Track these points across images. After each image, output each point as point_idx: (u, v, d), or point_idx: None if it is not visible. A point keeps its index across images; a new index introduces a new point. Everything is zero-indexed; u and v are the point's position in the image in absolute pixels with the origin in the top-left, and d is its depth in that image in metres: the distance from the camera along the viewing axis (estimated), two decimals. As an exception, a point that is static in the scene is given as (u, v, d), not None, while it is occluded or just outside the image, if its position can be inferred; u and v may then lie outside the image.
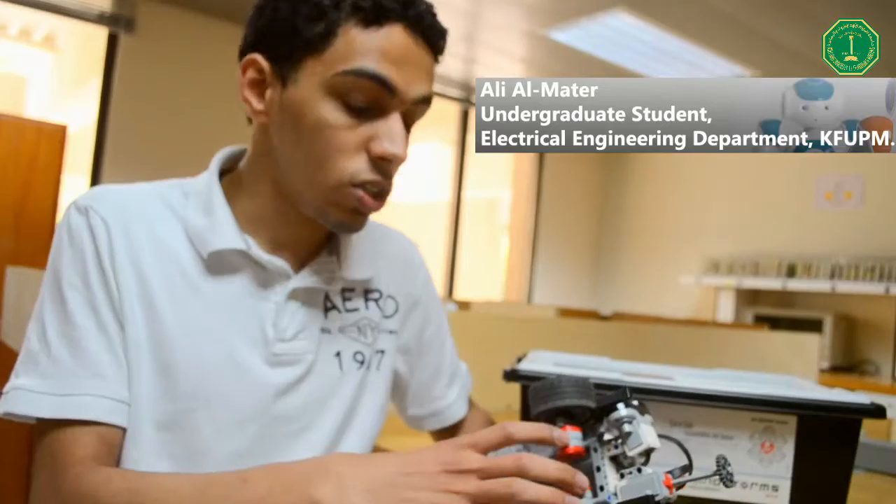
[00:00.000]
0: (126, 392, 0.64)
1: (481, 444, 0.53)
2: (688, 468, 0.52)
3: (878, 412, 0.68)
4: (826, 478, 0.71)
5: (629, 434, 0.51)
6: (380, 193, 0.67)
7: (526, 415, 0.77)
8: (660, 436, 0.52)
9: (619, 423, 0.52)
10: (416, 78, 0.65)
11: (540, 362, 0.82)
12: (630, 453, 0.51)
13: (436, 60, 0.69)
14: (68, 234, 0.66)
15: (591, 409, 0.53)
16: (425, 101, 0.68)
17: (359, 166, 0.64)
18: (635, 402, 0.53)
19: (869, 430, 1.15)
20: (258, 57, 0.67)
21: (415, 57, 0.65)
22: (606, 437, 0.52)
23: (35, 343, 0.63)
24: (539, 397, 0.54)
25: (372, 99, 0.64)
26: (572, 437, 0.52)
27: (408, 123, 0.68)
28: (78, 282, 0.64)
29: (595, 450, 0.52)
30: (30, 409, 0.61)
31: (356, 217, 0.68)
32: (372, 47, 0.63)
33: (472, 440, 0.54)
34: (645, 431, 0.51)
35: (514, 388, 0.76)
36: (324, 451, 0.72)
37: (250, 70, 0.67)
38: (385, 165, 0.65)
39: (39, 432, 0.62)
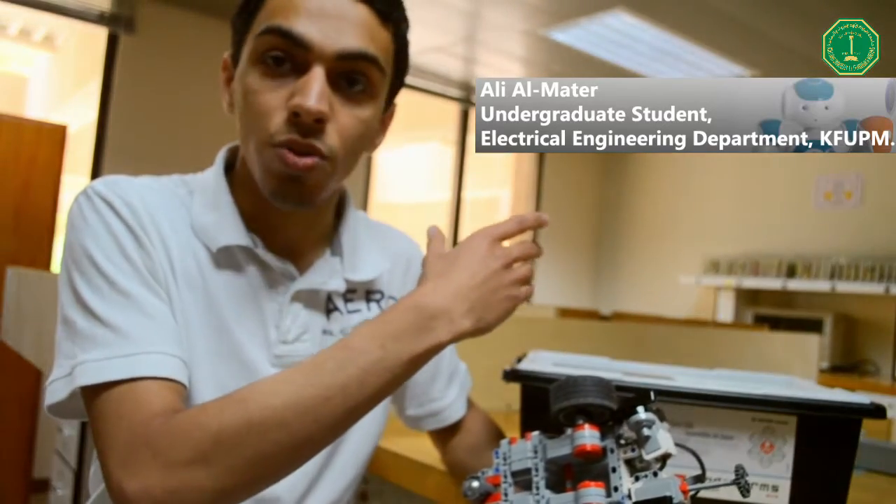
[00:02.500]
0: (185, 355, 0.61)
1: (509, 233, 0.67)
2: (701, 477, 0.52)
3: (878, 412, 0.68)
4: (826, 478, 0.70)
5: (647, 438, 0.51)
6: (306, 153, 0.63)
7: (526, 414, 0.77)
8: (675, 444, 0.52)
9: (638, 426, 0.52)
10: (338, 30, 0.63)
11: (539, 362, 0.81)
12: (647, 457, 0.51)
13: (378, 14, 0.66)
14: (94, 213, 0.63)
15: (612, 409, 0.53)
16: (359, 57, 0.64)
17: (278, 126, 0.63)
18: (655, 407, 0.53)
19: (869, 430, 1.15)
20: (226, 55, 0.71)
21: (335, 9, 0.63)
22: (624, 439, 0.52)
23: (82, 323, 0.59)
24: (561, 394, 0.54)
25: (289, 57, 0.63)
26: (590, 435, 0.52)
27: (340, 82, 0.65)
28: (116, 255, 0.62)
29: (612, 451, 0.52)
30: (100, 376, 0.56)
31: (289, 184, 0.64)
32: (285, 6, 0.63)
33: (500, 233, 0.66)
34: (663, 437, 0.51)
35: (514, 388, 0.76)
36: (324, 454, 0.72)
37: (224, 71, 0.71)
38: (298, 122, 0.62)
39: (95, 396, 0.57)
